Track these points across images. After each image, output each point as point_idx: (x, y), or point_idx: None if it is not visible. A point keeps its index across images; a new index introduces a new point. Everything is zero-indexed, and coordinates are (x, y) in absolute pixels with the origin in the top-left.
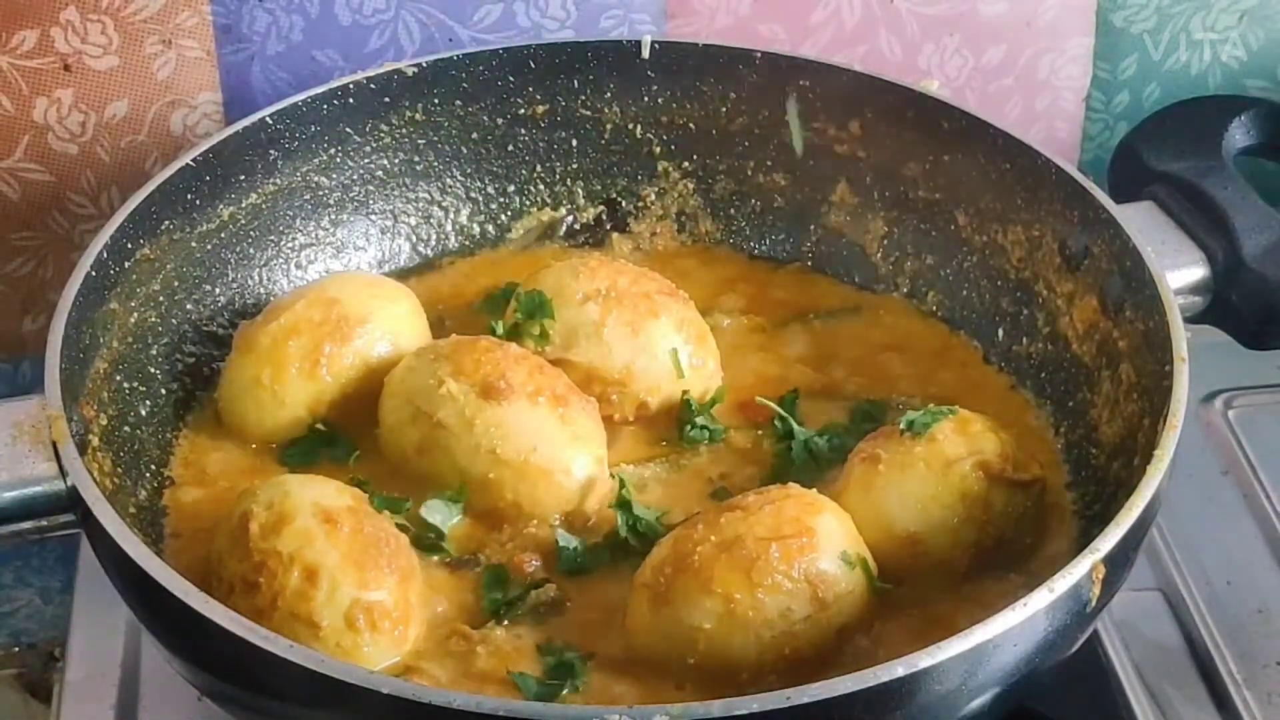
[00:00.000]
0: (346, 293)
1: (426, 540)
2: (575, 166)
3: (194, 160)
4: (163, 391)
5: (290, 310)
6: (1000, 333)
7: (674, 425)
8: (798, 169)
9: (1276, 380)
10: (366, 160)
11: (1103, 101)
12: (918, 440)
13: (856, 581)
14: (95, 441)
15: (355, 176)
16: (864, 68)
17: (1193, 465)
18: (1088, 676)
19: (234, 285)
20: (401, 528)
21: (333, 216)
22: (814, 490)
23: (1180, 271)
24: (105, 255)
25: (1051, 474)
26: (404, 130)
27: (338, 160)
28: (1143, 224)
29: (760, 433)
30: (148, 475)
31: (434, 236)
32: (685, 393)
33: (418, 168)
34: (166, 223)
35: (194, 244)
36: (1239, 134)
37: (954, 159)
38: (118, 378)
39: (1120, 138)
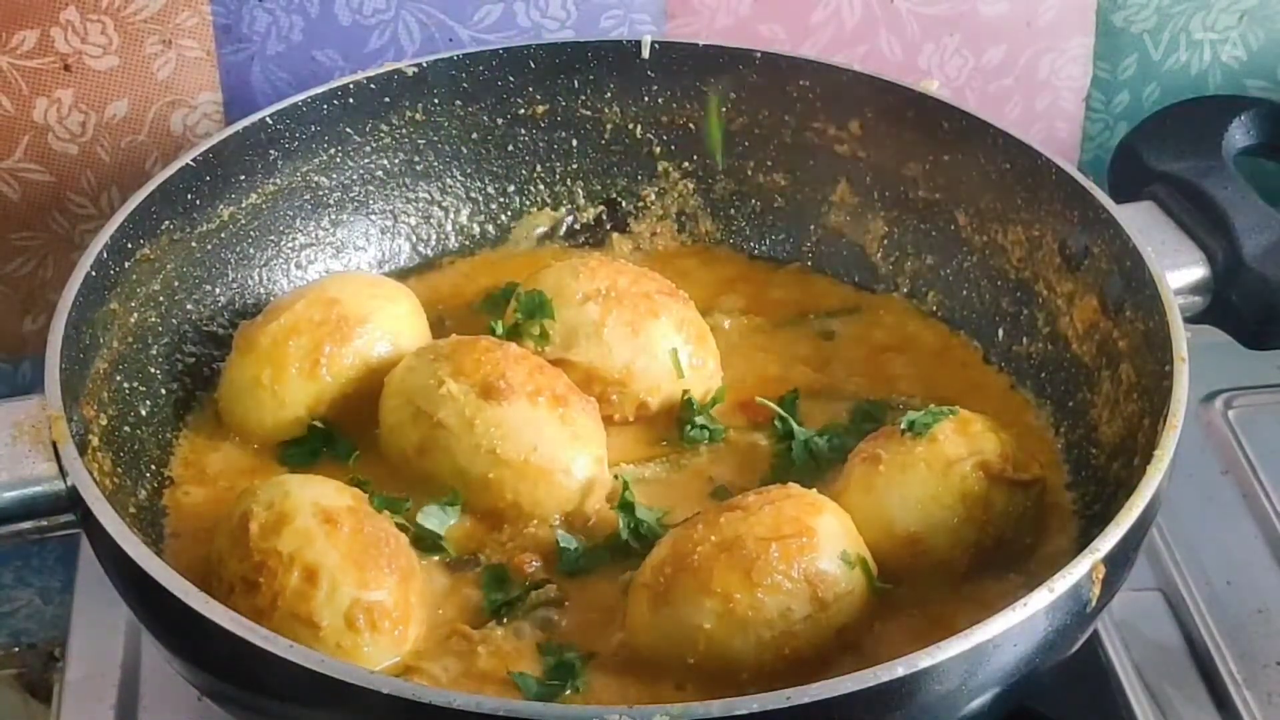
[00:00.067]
0: (346, 293)
1: (426, 540)
2: (575, 166)
3: (194, 160)
4: (163, 391)
5: (290, 310)
6: (1000, 333)
7: (674, 425)
8: (798, 169)
9: (1276, 380)
10: (366, 160)
11: (1103, 101)
12: (918, 440)
13: (856, 581)
14: (95, 441)
15: (355, 176)
16: (864, 68)
17: (1193, 465)
18: (1088, 676)
19: (234, 285)
20: (401, 528)
21: (333, 216)
22: (814, 490)
23: (1180, 271)
24: (105, 255)
25: (1051, 474)
26: (404, 130)
27: (338, 160)
28: (1143, 224)
29: (760, 433)
30: (148, 475)
31: (434, 236)
32: (685, 392)
33: (418, 168)
34: (166, 223)
35: (194, 244)
36: (1239, 134)
37: (954, 159)
38: (118, 378)
39: (1120, 138)
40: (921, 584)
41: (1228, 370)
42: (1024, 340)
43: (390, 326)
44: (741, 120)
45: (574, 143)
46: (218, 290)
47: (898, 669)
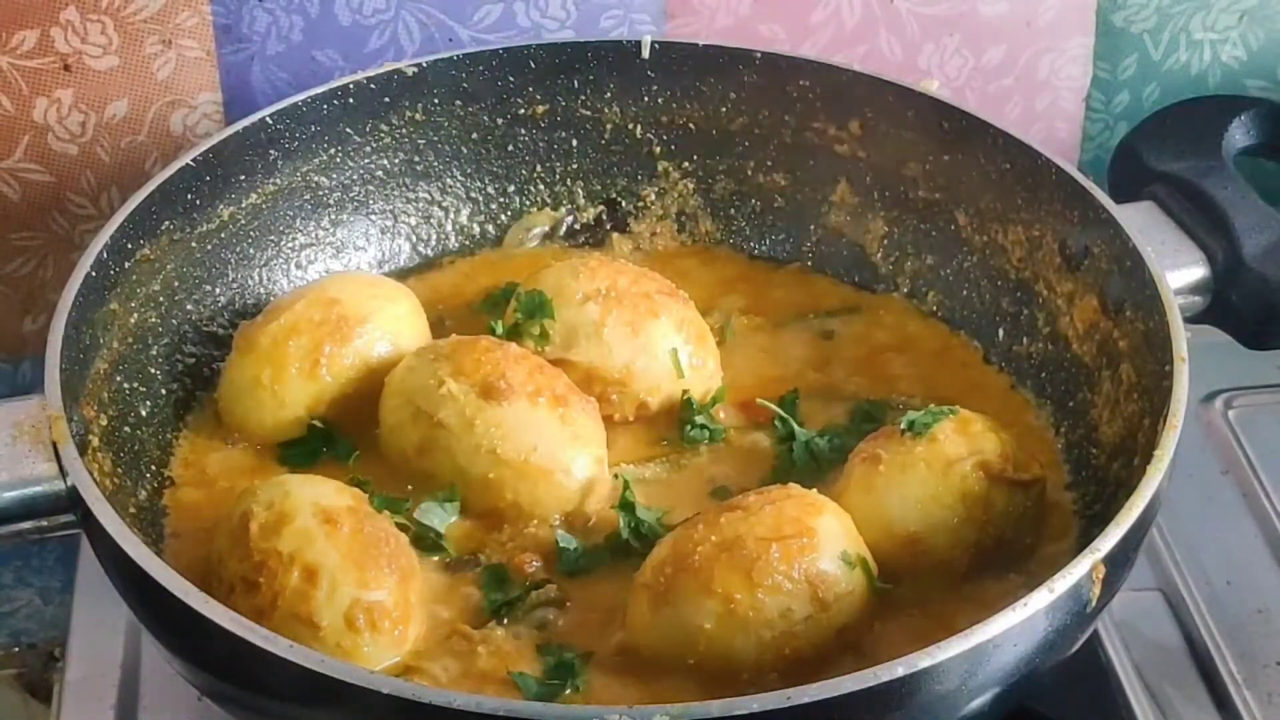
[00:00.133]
0: (346, 293)
1: (426, 540)
2: (575, 166)
3: (194, 160)
4: (163, 392)
5: (290, 310)
6: (1000, 333)
7: (674, 425)
8: (798, 169)
9: (1276, 380)
10: (366, 160)
11: (1103, 101)
12: (918, 440)
13: (857, 581)
14: (95, 442)
15: (355, 176)
16: (864, 68)
17: (1193, 465)
18: (1088, 676)
19: (234, 285)
20: (401, 528)
21: (333, 216)
22: (814, 490)
23: (1180, 271)
24: (105, 255)
25: (1051, 474)
26: (404, 130)
27: (338, 160)
28: (1143, 224)
29: (760, 433)
30: (148, 475)
31: (434, 236)
32: (686, 392)
33: (418, 168)
34: (166, 223)
35: (194, 244)
36: (1239, 134)
37: (954, 159)
38: (118, 378)
39: (1120, 138)
40: (921, 584)
41: (1228, 370)
42: (1024, 340)
43: (390, 326)
44: (741, 120)
45: (574, 143)
46: (218, 290)
47: (898, 669)
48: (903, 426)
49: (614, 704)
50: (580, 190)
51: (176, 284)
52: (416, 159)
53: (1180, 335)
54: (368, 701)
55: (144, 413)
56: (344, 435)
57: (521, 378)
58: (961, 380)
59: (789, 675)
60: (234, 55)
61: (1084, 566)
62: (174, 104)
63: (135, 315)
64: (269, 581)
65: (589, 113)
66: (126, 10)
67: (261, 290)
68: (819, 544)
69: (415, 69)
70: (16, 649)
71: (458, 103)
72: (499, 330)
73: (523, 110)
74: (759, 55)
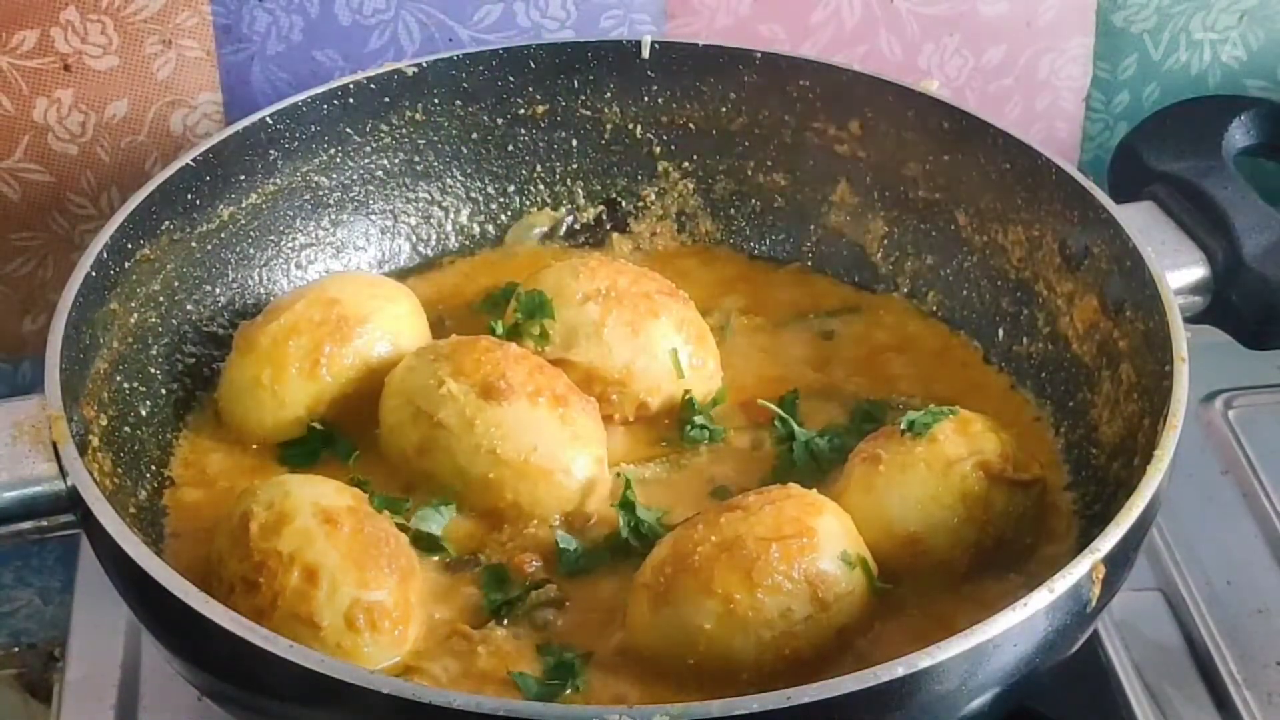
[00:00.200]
0: (346, 293)
1: (426, 540)
2: (575, 166)
3: (194, 160)
4: (163, 391)
5: (290, 310)
6: (1000, 333)
7: (674, 425)
8: (798, 169)
9: (1276, 380)
10: (366, 160)
11: (1103, 101)
12: (918, 440)
13: (856, 582)
14: (95, 442)
15: (355, 176)
16: (864, 68)
17: (1193, 465)
18: (1088, 676)
19: (234, 285)
20: (401, 528)
21: (333, 216)
22: (814, 490)
23: (1180, 271)
24: (105, 255)
25: (1051, 474)
26: (404, 130)
27: (338, 160)
28: (1143, 224)
29: (760, 433)
30: (148, 475)
31: (434, 236)
32: (686, 392)
33: (418, 168)
34: (166, 223)
35: (194, 244)
36: (1239, 134)
37: (954, 159)
38: (118, 378)
39: (1120, 138)
40: (921, 584)
41: (1228, 370)
42: (1024, 340)
43: (390, 326)
44: (741, 120)
45: (574, 143)
46: (218, 290)
47: (898, 669)
48: (903, 426)
49: (614, 704)
50: (580, 190)
51: (176, 284)
52: (416, 159)
53: (1180, 335)
54: (368, 701)
55: (144, 413)
56: (344, 435)
57: (521, 378)
58: (961, 380)
59: (789, 675)
60: (234, 55)
61: (1084, 566)
62: (174, 104)
63: (135, 315)
64: (269, 581)
65: (589, 113)
66: (126, 10)
67: (261, 290)
68: (819, 544)
69: (415, 69)
70: (16, 649)
71: (458, 103)
72: (499, 330)
73: (523, 110)
74: (759, 55)
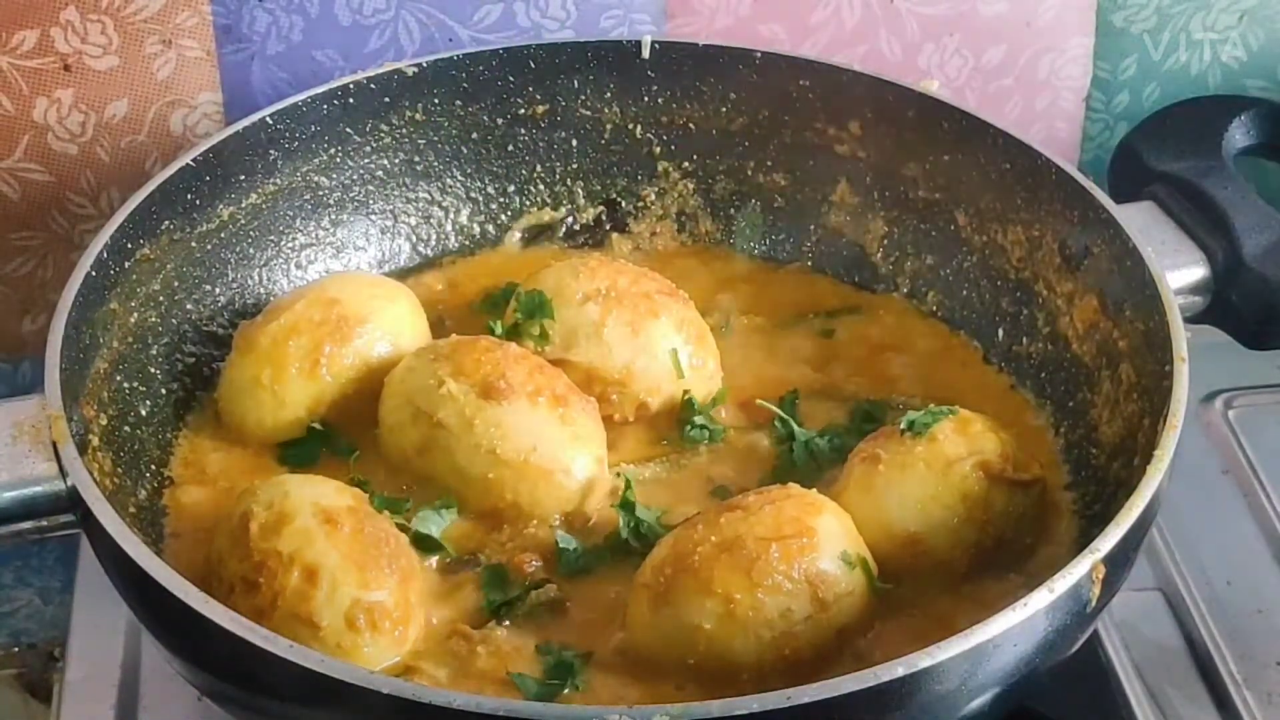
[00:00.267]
0: (346, 293)
1: (426, 541)
2: (575, 166)
3: (194, 160)
4: (163, 391)
5: (290, 310)
6: (1000, 333)
7: (674, 425)
8: (798, 169)
9: (1276, 380)
10: (366, 160)
11: (1103, 101)
12: (918, 440)
13: (857, 582)
14: (95, 441)
15: (355, 176)
16: (864, 68)
17: (1193, 465)
18: (1088, 676)
19: (234, 285)
20: (401, 528)
21: (333, 216)
22: (814, 490)
23: (1180, 271)
24: (105, 255)
25: (1051, 474)
26: (404, 130)
27: (338, 160)
28: (1143, 224)
29: (760, 433)
30: (148, 475)
31: (434, 236)
32: (686, 392)
33: (418, 168)
34: (166, 223)
35: (194, 244)
36: (1239, 134)
37: (954, 159)
38: (118, 378)
39: (1120, 138)
40: (921, 584)
41: (1228, 370)
42: (1024, 340)
43: (390, 326)
44: (741, 120)
45: (574, 143)
46: (218, 290)
47: (898, 669)
48: (902, 426)
49: (614, 704)
50: (580, 190)
51: (176, 284)
52: (416, 159)
53: (1180, 335)
54: (368, 701)
55: (144, 412)
56: (344, 435)
57: (521, 378)
58: (961, 380)
59: (789, 675)
60: (234, 55)
61: (1084, 566)
62: (174, 104)
63: (135, 315)
64: (269, 581)
65: (589, 113)
66: (126, 10)
67: (261, 290)
68: (819, 544)
69: (415, 69)
70: (16, 649)
71: (458, 103)
72: (499, 330)
73: (523, 110)
74: (759, 55)
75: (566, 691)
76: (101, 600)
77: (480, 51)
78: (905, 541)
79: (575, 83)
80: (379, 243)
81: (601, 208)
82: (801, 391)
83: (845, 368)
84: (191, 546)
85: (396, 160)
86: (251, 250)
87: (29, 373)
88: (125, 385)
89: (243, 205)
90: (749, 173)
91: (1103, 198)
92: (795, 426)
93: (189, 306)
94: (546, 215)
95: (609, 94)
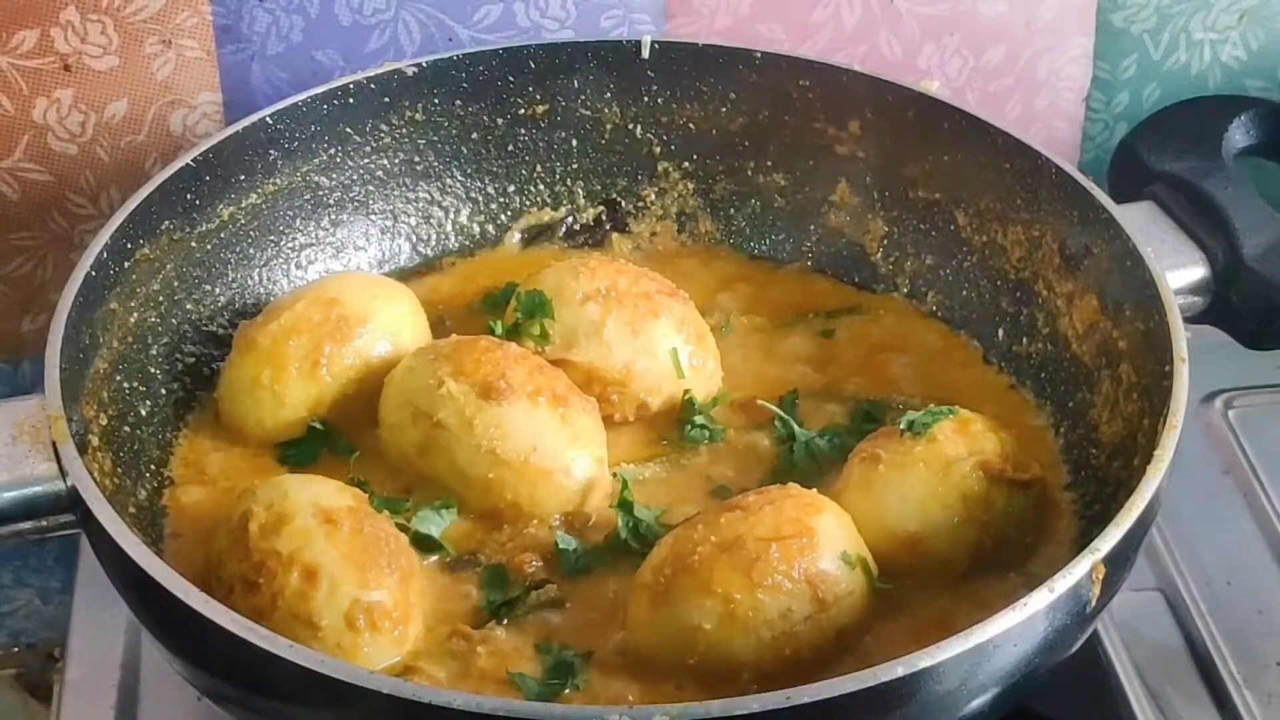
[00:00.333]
0: (346, 293)
1: (426, 541)
2: (575, 166)
3: (194, 160)
4: (163, 391)
5: (290, 310)
6: (1000, 333)
7: (674, 425)
8: (798, 169)
9: (1276, 380)
10: (366, 160)
11: (1103, 101)
12: (918, 440)
13: (857, 582)
14: (95, 441)
15: (355, 176)
16: (864, 68)
17: (1193, 465)
18: (1088, 676)
19: (234, 285)
20: (401, 528)
21: (333, 216)
22: (814, 490)
23: (1180, 271)
24: (105, 255)
25: (1051, 474)
26: (404, 130)
27: (338, 160)
28: (1143, 224)
29: (760, 433)
30: (148, 475)
31: (434, 236)
32: (687, 392)
33: (418, 168)
34: (166, 223)
35: (194, 244)
36: (1239, 134)
37: (954, 159)
38: (118, 378)
39: (1120, 138)
40: (921, 584)
41: (1228, 370)
42: (1024, 340)
43: (390, 326)
44: (741, 120)
45: (574, 143)
46: (218, 290)
47: (898, 669)
48: (902, 426)
49: (614, 704)
50: (580, 190)
51: (176, 284)
52: (416, 159)
53: (1180, 335)
54: (368, 701)
55: (144, 412)
56: (344, 435)
57: (521, 378)
58: (961, 380)
59: (789, 675)
60: (234, 55)
61: (1084, 566)
62: (174, 104)
63: (135, 315)
64: (269, 581)
65: (589, 113)
66: (126, 10)
67: (261, 290)
68: (819, 544)
69: (415, 69)
70: (16, 649)
71: (458, 103)
72: (499, 330)
73: (523, 110)
74: (759, 55)
75: (566, 691)
76: (101, 600)
77: (480, 51)
78: (905, 541)
79: (575, 83)
80: (379, 243)
81: (601, 208)
82: (801, 391)
83: (845, 368)
84: (191, 546)
85: (396, 160)
86: (251, 250)
87: (29, 373)
88: (125, 385)
89: (243, 205)
90: (749, 173)
91: (1103, 198)
92: (795, 427)
93: (189, 306)
94: (546, 215)
95: (609, 94)
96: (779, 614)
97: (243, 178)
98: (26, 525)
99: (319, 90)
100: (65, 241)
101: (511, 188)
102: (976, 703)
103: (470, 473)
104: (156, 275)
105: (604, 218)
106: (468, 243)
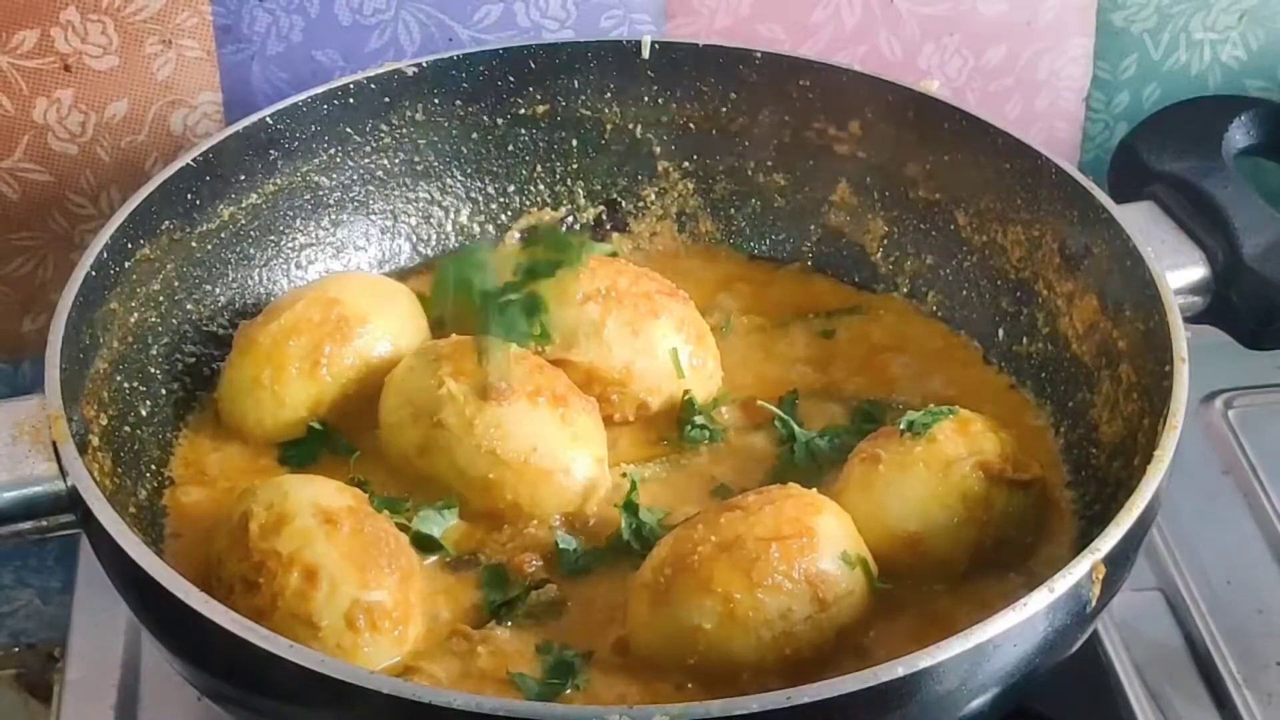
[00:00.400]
0: (346, 293)
1: (426, 540)
2: (575, 166)
3: (194, 160)
4: (163, 391)
5: (290, 310)
6: (1000, 333)
7: (674, 425)
8: (798, 169)
9: (1276, 380)
10: (366, 160)
11: (1103, 101)
12: (918, 440)
13: (857, 581)
14: (95, 441)
15: (355, 176)
16: (864, 68)
17: (1193, 465)
18: (1088, 676)
19: (234, 285)
20: (401, 527)
21: (333, 216)
22: (814, 490)
23: (1180, 271)
24: (105, 255)
25: (1051, 474)
26: (404, 130)
27: (338, 160)
28: (1143, 224)
29: (761, 433)
30: (148, 475)
31: (434, 236)
32: (687, 392)
33: (418, 168)
34: (166, 223)
35: (194, 244)
36: (1239, 134)
37: (954, 159)
38: (118, 378)
39: (1120, 138)
40: (921, 584)
41: (1228, 370)
42: (1024, 340)
43: (390, 326)
44: (741, 120)
45: (574, 143)
46: (218, 290)
47: (898, 669)
48: (902, 426)
49: (614, 704)
50: (580, 190)
51: (176, 284)
52: (416, 159)
53: (1180, 335)
54: (368, 701)
55: (144, 412)
56: (344, 435)
57: (521, 378)
58: (961, 380)
59: (789, 675)
60: (234, 55)
61: (1084, 566)
62: (174, 104)
63: (135, 315)
64: (269, 582)
65: (589, 113)
66: (126, 10)
67: (261, 290)
68: (819, 544)
69: (415, 69)
70: (16, 649)
71: (458, 103)
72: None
73: (523, 110)
74: (759, 55)
75: (567, 691)
76: (101, 600)
77: (480, 51)
78: (905, 541)
79: (575, 83)
80: (379, 243)
81: (601, 208)
82: (801, 392)
83: (845, 368)
84: (191, 546)
85: (396, 160)
86: (251, 250)
87: (29, 373)
88: (125, 385)
89: (243, 205)
90: (749, 173)
91: (1103, 198)
92: (795, 427)
93: (189, 306)
94: (546, 215)
95: (609, 94)
96: (779, 614)
97: (243, 178)
98: (26, 525)
99: (319, 90)
100: (65, 241)
101: (511, 188)
102: (976, 703)
103: (470, 473)
104: (157, 275)
105: (604, 218)
106: (468, 243)
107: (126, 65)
